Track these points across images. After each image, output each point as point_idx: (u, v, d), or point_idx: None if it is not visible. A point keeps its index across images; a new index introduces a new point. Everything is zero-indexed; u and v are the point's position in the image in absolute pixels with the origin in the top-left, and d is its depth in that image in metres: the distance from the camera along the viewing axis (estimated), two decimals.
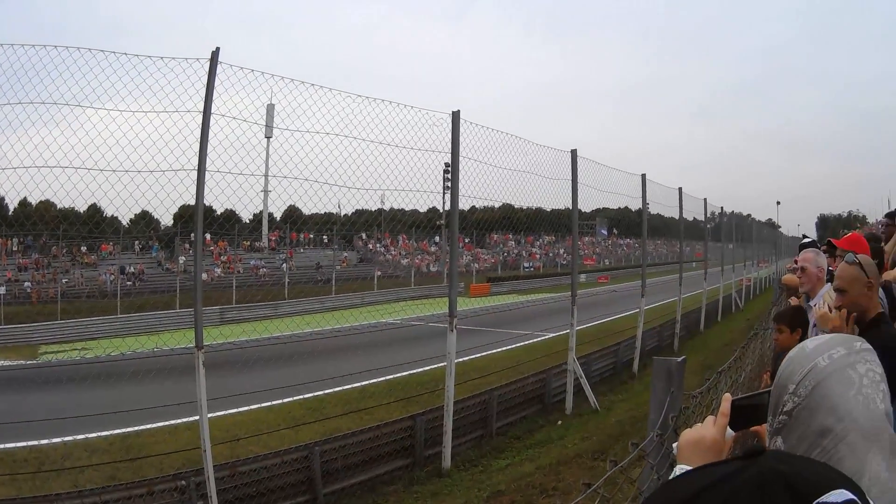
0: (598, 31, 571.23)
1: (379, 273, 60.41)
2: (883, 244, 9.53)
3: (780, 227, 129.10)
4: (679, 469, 2.14)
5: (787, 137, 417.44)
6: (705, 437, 2.21)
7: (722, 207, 44.25)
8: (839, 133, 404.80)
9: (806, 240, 13.27)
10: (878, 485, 1.72)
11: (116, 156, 10.56)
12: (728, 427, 2.23)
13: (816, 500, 1.16)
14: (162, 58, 10.83)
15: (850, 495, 1.19)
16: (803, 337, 6.64)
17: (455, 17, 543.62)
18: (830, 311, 4.86)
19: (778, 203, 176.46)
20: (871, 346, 1.98)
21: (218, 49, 11.05)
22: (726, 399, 2.28)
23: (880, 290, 5.43)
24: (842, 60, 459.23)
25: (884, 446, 1.79)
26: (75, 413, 16.47)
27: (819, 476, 1.27)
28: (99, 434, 16.19)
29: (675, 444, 2.32)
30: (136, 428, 16.80)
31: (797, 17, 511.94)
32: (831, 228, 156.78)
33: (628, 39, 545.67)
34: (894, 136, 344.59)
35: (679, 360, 4.49)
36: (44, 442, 15.76)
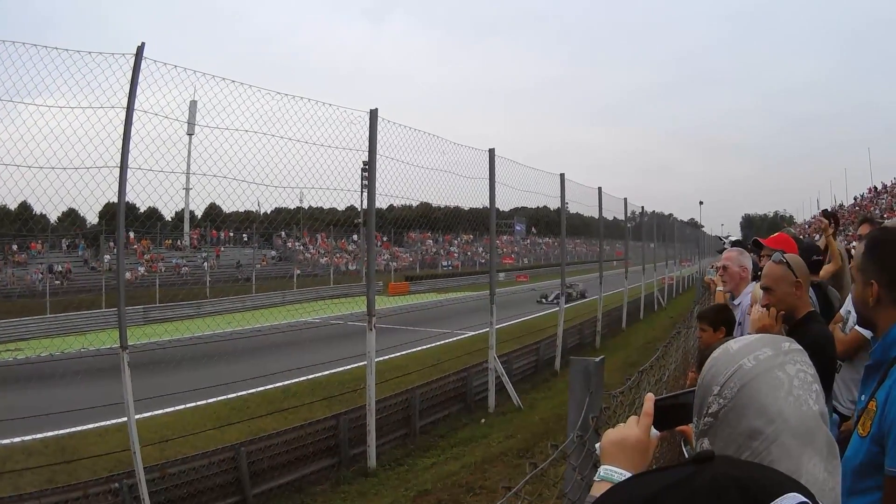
0: (517, 32, 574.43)
1: (298, 272, 59.97)
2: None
3: (702, 226, 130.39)
4: (604, 470, 2.15)
5: (710, 140, 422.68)
6: (629, 437, 2.19)
7: (643, 207, 44.87)
8: (764, 137, 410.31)
9: (731, 238, 13.42)
10: (817, 486, 1.71)
11: (44, 152, 10.40)
12: (653, 427, 2.23)
13: (771, 503, 1.20)
14: (89, 52, 10.74)
15: (803, 498, 1.23)
16: (727, 336, 6.70)
17: (376, 18, 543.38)
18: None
19: (700, 203, 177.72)
20: (800, 347, 1.95)
21: (143, 44, 10.98)
22: (649, 399, 2.26)
23: (811, 289, 5.55)
24: (765, 67, 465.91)
25: (819, 447, 1.79)
26: (11, 416, 16.26)
27: (771, 480, 1.31)
28: (34, 437, 15.94)
29: (597, 445, 2.31)
30: (69, 430, 16.56)
31: (718, 23, 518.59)
32: (756, 228, 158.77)
33: (547, 41, 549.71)
34: (818, 141, 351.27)
35: (597, 359, 4.45)
36: None
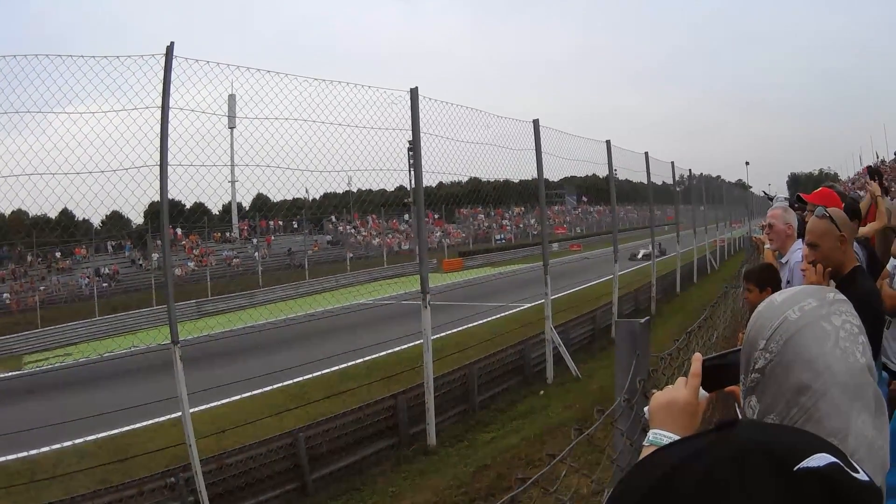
0: (550, 2, 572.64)
1: (351, 255, 60.21)
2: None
3: (750, 187, 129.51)
4: (653, 434, 2.11)
5: (750, 99, 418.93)
6: (677, 399, 2.14)
7: (690, 170, 44.51)
8: (803, 93, 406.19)
9: (779, 196, 13.21)
10: (865, 444, 1.64)
11: (79, 158, 10.53)
12: (701, 388, 2.17)
13: (797, 467, 1.14)
14: (118, 57, 10.83)
15: (832, 458, 1.16)
16: None
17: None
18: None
19: (747, 163, 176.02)
20: (845, 297, 1.87)
21: (172, 44, 11.05)
22: (696, 359, 2.19)
23: (856, 244, 5.41)
24: (802, 19, 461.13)
25: (868, 403, 1.70)
26: (62, 419, 16.43)
27: (797, 442, 1.25)
28: (86, 439, 16.17)
29: (646, 409, 2.26)
30: (123, 429, 16.83)
31: None
32: (803, 186, 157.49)
33: (581, 9, 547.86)
34: (859, 92, 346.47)
35: (643, 320, 4.37)
36: (34, 452, 15.80)
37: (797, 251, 6.61)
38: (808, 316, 1.78)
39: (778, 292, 1.94)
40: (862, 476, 1.15)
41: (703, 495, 1.14)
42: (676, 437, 2.03)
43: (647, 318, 4.47)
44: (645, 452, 2.02)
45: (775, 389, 1.74)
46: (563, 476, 3.08)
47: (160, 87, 10.89)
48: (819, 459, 1.15)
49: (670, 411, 2.13)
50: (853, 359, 1.72)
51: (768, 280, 6.79)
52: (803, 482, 1.12)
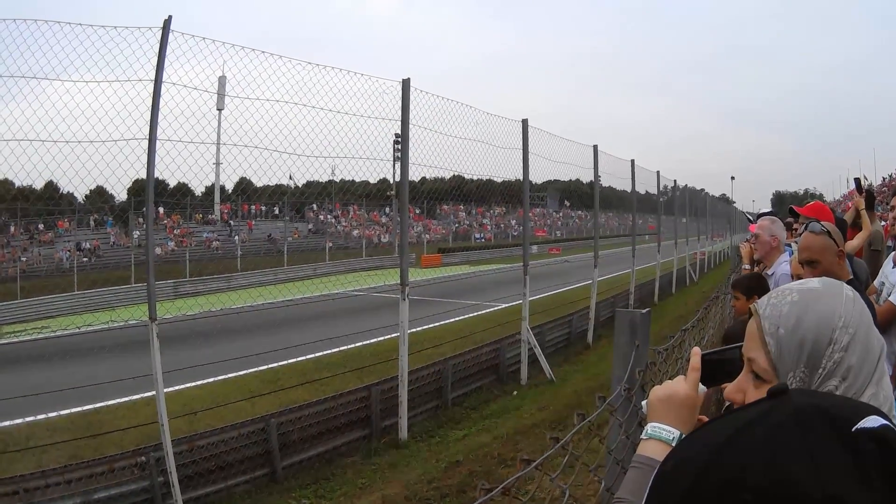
0: (554, 2, 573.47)
1: (330, 244, 60.21)
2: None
3: (734, 202, 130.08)
4: (651, 427, 2.11)
5: (743, 115, 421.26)
6: (678, 392, 2.15)
7: (675, 181, 44.50)
8: (796, 115, 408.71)
9: (762, 210, 13.26)
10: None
11: (69, 127, 10.43)
12: (700, 383, 2.18)
13: (855, 427, 1.18)
14: (115, 27, 10.72)
15: (883, 420, 1.20)
16: None
17: None
18: None
19: (732, 178, 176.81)
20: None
21: (170, 17, 10.95)
22: (695, 353, 2.21)
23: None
24: (798, 38, 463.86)
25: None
26: (37, 392, 16.31)
27: (850, 406, 1.30)
28: (60, 413, 16.00)
29: (643, 402, 2.26)
30: (96, 405, 16.62)
31: None
32: (787, 205, 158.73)
33: (583, 12, 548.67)
34: (849, 121, 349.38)
35: (644, 311, 4.34)
36: (6, 423, 15.59)
37: (783, 263, 6.61)
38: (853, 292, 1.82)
39: (795, 283, 1.92)
40: None
41: (770, 454, 1.18)
42: (676, 431, 2.05)
43: (648, 309, 4.44)
44: (643, 445, 2.08)
45: (863, 357, 1.72)
46: (564, 464, 3.05)
47: (154, 61, 10.83)
48: (873, 421, 1.20)
49: (670, 404, 2.13)
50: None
51: (756, 288, 6.74)
52: (861, 442, 1.17)
